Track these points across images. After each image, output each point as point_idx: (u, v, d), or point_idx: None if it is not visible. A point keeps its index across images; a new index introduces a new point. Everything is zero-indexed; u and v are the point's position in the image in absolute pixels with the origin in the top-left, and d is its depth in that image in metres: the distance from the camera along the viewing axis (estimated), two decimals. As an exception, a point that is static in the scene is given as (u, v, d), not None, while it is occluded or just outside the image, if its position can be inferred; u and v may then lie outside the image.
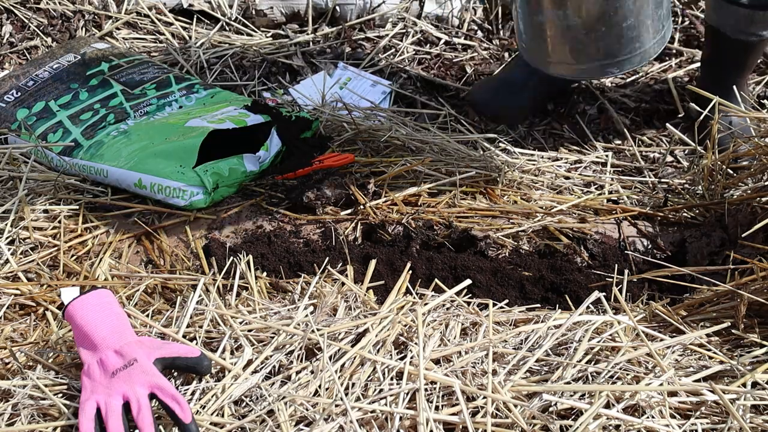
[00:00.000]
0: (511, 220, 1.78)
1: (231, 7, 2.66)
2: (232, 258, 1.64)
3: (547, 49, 1.69)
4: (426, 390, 1.24)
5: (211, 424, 1.22)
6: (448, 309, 1.43)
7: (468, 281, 1.49)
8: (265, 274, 1.64)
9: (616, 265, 1.63)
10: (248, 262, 1.59)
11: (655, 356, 1.28)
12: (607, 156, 2.08)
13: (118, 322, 1.32)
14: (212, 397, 1.25)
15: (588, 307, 1.39)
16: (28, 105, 2.06)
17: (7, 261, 1.67)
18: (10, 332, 1.51)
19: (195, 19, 2.64)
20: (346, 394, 1.24)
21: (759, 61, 2.34)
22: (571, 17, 1.65)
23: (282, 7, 2.66)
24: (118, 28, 2.60)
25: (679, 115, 2.17)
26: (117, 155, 1.87)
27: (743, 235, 1.62)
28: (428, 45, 2.56)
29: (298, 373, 1.28)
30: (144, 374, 1.24)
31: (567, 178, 1.98)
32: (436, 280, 1.57)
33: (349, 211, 1.79)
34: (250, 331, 1.36)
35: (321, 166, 1.85)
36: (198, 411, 1.24)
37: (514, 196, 1.85)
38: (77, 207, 1.81)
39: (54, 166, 1.94)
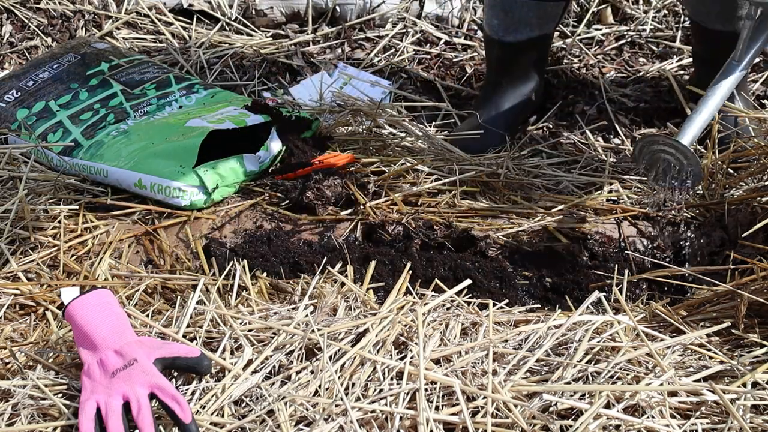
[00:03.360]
0: (511, 220, 1.78)
1: (231, 7, 2.66)
2: (232, 258, 1.64)
3: None
4: (426, 390, 1.24)
5: (211, 424, 1.22)
6: (448, 309, 1.43)
7: (468, 281, 1.49)
8: (265, 274, 1.64)
9: (616, 265, 1.63)
10: (248, 263, 1.59)
11: (655, 356, 1.28)
12: (606, 156, 2.08)
13: (118, 322, 1.31)
14: (212, 397, 1.25)
15: (588, 307, 1.39)
16: (28, 105, 2.06)
17: (7, 261, 1.67)
18: (10, 332, 1.51)
19: (195, 19, 2.64)
20: (346, 394, 1.24)
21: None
22: None
23: (282, 7, 2.66)
24: (118, 28, 2.60)
25: (687, 112, 2.16)
26: (117, 155, 1.87)
27: (743, 235, 1.62)
28: (428, 45, 2.56)
29: (298, 373, 1.28)
30: (144, 374, 1.24)
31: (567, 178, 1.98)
32: (436, 280, 1.57)
33: (349, 211, 1.79)
34: (250, 331, 1.36)
35: (321, 166, 1.85)
36: (198, 411, 1.24)
37: (514, 196, 1.85)
38: (77, 207, 1.81)
39: (54, 166, 1.94)
